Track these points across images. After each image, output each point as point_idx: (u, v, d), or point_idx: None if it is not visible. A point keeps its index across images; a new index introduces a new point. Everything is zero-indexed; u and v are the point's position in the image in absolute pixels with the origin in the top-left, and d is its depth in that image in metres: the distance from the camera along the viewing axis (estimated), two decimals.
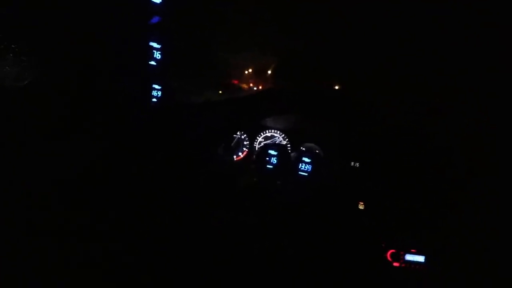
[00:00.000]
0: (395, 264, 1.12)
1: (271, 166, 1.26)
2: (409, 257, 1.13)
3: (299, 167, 1.29)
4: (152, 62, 1.02)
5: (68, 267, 0.65)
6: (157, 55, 1.02)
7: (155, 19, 0.87)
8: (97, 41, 0.79)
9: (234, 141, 1.45)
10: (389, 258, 1.12)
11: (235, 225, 0.97)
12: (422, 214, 1.20)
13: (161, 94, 1.15)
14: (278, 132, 1.52)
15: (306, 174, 1.30)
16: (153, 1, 0.80)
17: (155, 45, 0.97)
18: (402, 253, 1.13)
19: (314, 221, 1.10)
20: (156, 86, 1.13)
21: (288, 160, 1.28)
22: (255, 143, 1.49)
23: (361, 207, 1.25)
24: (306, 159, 1.29)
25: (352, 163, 1.41)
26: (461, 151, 1.25)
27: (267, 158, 1.25)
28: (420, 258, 1.13)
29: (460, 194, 1.18)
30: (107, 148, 0.82)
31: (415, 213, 1.20)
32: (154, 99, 1.15)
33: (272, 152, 1.25)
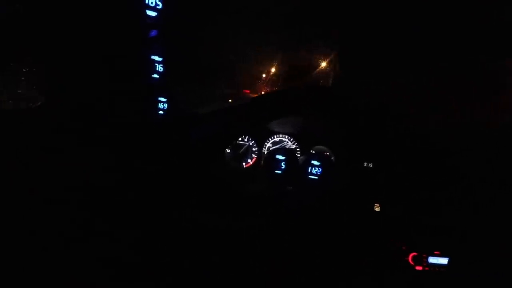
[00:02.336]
0: (418, 267, 1.05)
1: (279, 171, 1.24)
2: (432, 259, 1.06)
3: (309, 170, 1.26)
4: (155, 75, 1.04)
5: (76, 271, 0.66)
6: (160, 68, 1.03)
7: (154, 32, 0.88)
8: (97, 58, 0.82)
9: (243, 148, 1.44)
10: (411, 262, 1.06)
11: (246, 232, 0.96)
12: (443, 212, 1.13)
13: (168, 106, 1.17)
14: (287, 136, 1.50)
15: (316, 177, 1.27)
16: (149, 15, 0.82)
17: (156, 58, 0.99)
18: (425, 255, 1.07)
19: (328, 226, 1.06)
20: (162, 99, 1.14)
21: (296, 164, 1.25)
22: (263, 149, 1.48)
23: (377, 209, 1.20)
24: (316, 162, 1.26)
25: (365, 164, 1.36)
26: (485, 147, 1.18)
27: (275, 164, 1.23)
28: (444, 260, 1.06)
29: (484, 191, 1.11)
30: (115, 160, 0.83)
31: (436, 212, 1.13)
32: (161, 111, 1.16)
33: (279, 157, 1.23)
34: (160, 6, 0.81)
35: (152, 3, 0.80)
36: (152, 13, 0.82)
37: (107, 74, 0.91)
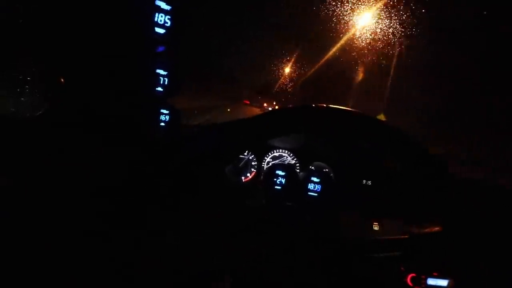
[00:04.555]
0: None
1: (279, 187, 1.24)
2: (431, 281, 1.05)
3: (308, 187, 1.26)
4: (159, 88, 1.05)
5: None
6: (164, 81, 1.04)
7: (161, 48, 0.90)
8: (104, 72, 0.83)
9: (242, 162, 1.44)
10: (409, 283, 1.05)
11: (243, 248, 0.94)
12: (443, 233, 1.13)
13: (169, 118, 1.17)
14: (287, 151, 1.50)
15: (316, 194, 1.26)
16: (157, 32, 0.84)
17: (161, 72, 1.00)
18: (423, 277, 1.06)
19: (326, 244, 1.05)
20: (164, 111, 1.15)
21: (296, 180, 1.25)
22: (263, 163, 1.48)
23: (376, 227, 1.19)
24: (315, 179, 1.26)
25: (364, 181, 1.37)
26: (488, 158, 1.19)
27: (275, 179, 1.23)
28: (443, 282, 1.05)
29: (486, 210, 1.11)
30: (116, 163, 0.83)
31: (435, 232, 1.13)
32: (162, 123, 1.17)
33: (279, 172, 1.23)
34: (168, 24, 0.83)
35: (161, 21, 0.82)
36: (161, 30, 0.83)
37: (110, 84, 0.92)
